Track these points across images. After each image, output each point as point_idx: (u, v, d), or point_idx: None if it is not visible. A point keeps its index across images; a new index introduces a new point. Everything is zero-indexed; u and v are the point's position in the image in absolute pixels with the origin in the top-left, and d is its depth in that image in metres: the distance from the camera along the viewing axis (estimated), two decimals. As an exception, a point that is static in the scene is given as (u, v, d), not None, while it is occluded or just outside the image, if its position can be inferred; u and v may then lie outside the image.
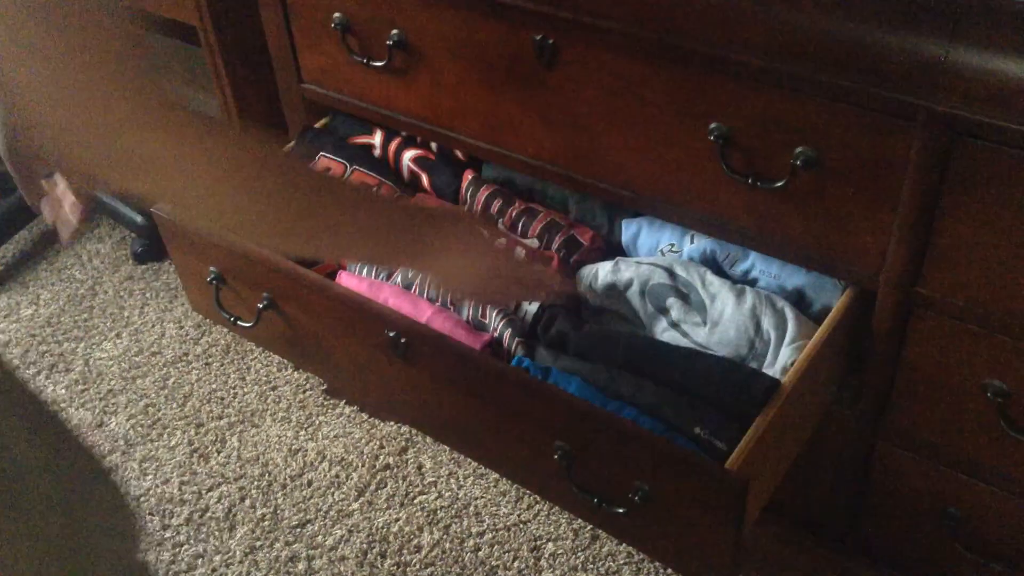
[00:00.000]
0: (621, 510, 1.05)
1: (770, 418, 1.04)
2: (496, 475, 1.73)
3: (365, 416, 1.85)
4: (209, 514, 1.71)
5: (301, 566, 1.62)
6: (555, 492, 1.15)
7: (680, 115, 1.13)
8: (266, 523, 1.69)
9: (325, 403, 1.89)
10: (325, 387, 1.91)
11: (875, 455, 1.26)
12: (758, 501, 1.08)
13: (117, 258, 2.26)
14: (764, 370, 1.13)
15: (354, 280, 1.28)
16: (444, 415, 1.20)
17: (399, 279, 1.27)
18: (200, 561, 1.64)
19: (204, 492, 1.75)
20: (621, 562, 1.59)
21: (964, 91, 0.92)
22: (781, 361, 1.12)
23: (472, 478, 1.73)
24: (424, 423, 1.28)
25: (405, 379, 1.20)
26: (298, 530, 1.68)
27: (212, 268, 1.31)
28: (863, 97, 0.98)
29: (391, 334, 1.15)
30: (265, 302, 1.27)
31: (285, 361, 1.97)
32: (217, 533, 1.68)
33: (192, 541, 1.67)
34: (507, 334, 1.18)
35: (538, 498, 1.69)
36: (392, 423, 1.83)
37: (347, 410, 1.87)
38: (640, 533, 1.09)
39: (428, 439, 1.80)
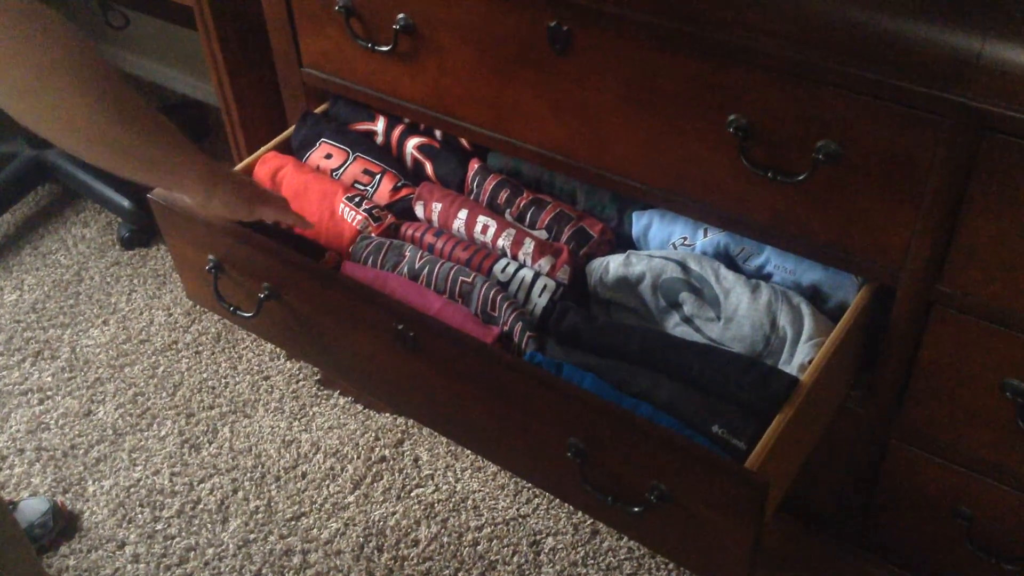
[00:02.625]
0: (636, 509, 1.02)
1: (789, 417, 1.02)
2: (494, 468, 1.70)
3: (360, 407, 1.82)
4: (201, 506, 1.68)
5: (296, 560, 1.60)
6: (565, 489, 1.13)
7: (698, 106, 1.10)
8: (260, 515, 1.66)
9: (319, 393, 1.86)
10: (319, 377, 1.88)
11: (887, 453, 1.24)
12: (774, 500, 1.06)
13: (103, 243, 2.22)
14: (780, 367, 1.11)
15: (359, 271, 1.25)
16: (452, 410, 1.18)
17: (405, 269, 1.24)
18: (192, 554, 1.61)
19: (196, 483, 1.71)
20: (622, 557, 1.57)
21: (998, 87, 0.89)
22: (798, 358, 1.10)
23: (470, 471, 1.71)
24: (430, 417, 1.25)
25: (412, 373, 1.17)
26: (293, 523, 1.65)
27: (211, 256, 1.28)
28: (891, 90, 0.96)
29: (399, 327, 1.12)
30: (266, 292, 1.24)
31: (277, 350, 1.94)
32: (209, 525, 1.65)
33: (184, 533, 1.64)
34: (518, 328, 1.15)
35: (537, 492, 1.67)
36: (388, 414, 1.80)
37: (341, 401, 1.84)
38: (654, 533, 1.06)
39: (424, 431, 1.77)
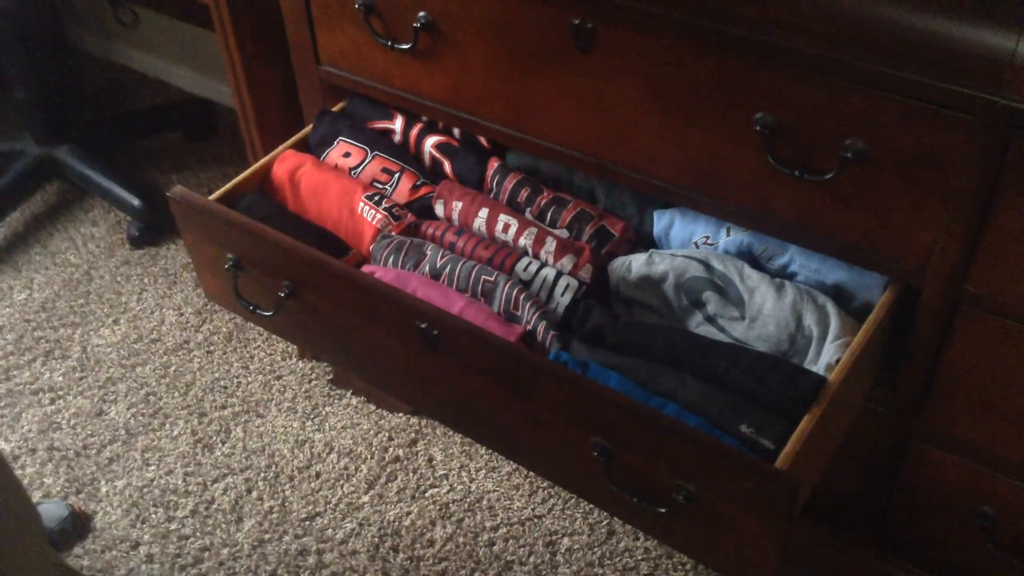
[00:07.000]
0: (662, 509, 1.02)
1: (817, 416, 1.01)
2: (509, 468, 1.70)
3: (373, 407, 1.82)
4: (215, 506, 1.67)
5: (311, 560, 1.59)
6: (589, 489, 1.12)
7: (723, 104, 1.10)
8: (274, 516, 1.65)
9: (331, 393, 1.85)
10: (331, 376, 1.87)
11: (908, 453, 1.24)
12: (802, 500, 1.05)
13: (113, 242, 2.21)
14: (806, 367, 1.10)
15: (380, 270, 1.25)
16: (474, 409, 1.17)
17: (427, 268, 1.24)
18: (207, 554, 1.61)
19: (209, 483, 1.71)
20: (639, 558, 1.57)
21: (1033, 84, 0.89)
22: (825, 358, 1.09)
23: (484, 471, 1.70)
24: (451, 417, 1.25)
25: (434, 372, 1.17)
26: (307, 523, 1.64)
27: (230, 255, 1.27)
28: (922, 89, 0.96)
29: (422, 325, 1.11)
30: (286, 290, 1.23)
31: (289, 349, 1.93)
32: (224, 525, 1.64)
33: (198, 533, 1.63)
34: (541, 327, 1.15)
35: (552, 492, 1.66)
36: (401, 414, 1.80)
37: (354, 400, 1.83)
38: (680, 533, 1.06)
39: (438, 431, 1.77)
